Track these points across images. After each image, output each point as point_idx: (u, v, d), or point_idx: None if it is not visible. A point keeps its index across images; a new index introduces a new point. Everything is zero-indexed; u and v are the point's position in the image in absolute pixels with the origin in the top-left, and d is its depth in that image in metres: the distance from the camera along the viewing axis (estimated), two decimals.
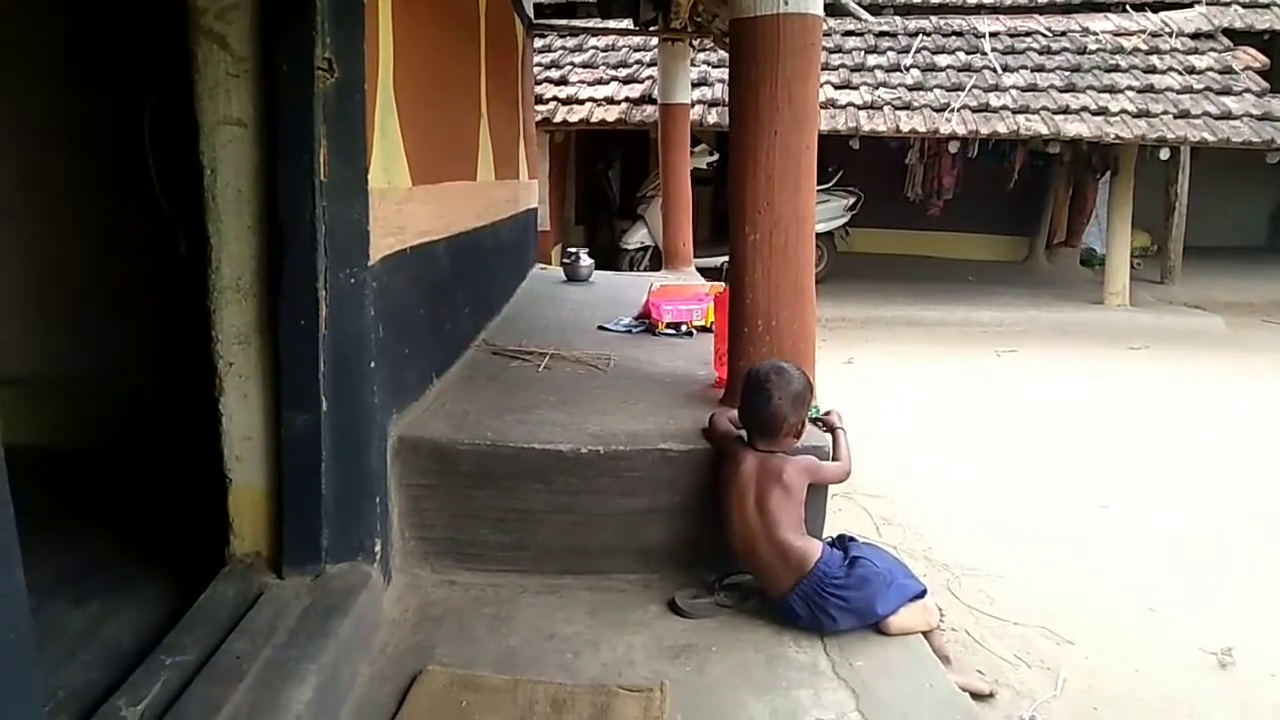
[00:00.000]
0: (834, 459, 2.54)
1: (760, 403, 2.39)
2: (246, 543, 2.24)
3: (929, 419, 5.39)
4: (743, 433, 2.49)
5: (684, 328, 4.10)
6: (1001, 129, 8.11)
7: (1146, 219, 10.26)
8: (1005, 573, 3.31)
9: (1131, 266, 9.27)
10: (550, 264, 7.60)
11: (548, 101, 8.71)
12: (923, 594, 2.38)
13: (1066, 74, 8.74)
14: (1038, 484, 4.28)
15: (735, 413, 2.55)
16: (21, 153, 3.04)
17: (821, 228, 8.70)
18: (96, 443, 3.03)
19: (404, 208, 2.59)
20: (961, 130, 8.13)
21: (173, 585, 2.23)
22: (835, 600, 2.25)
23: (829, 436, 2.61)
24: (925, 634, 2.36)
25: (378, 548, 2.29)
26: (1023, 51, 9.22)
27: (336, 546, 2.23)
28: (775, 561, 2.31)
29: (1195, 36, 9.31)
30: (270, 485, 2.21)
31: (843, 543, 2.47)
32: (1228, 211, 12.05)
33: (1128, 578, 3.32)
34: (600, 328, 4.23)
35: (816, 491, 2.51)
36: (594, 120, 8.62)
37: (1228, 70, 8.69)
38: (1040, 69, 8.89)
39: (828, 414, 2.66)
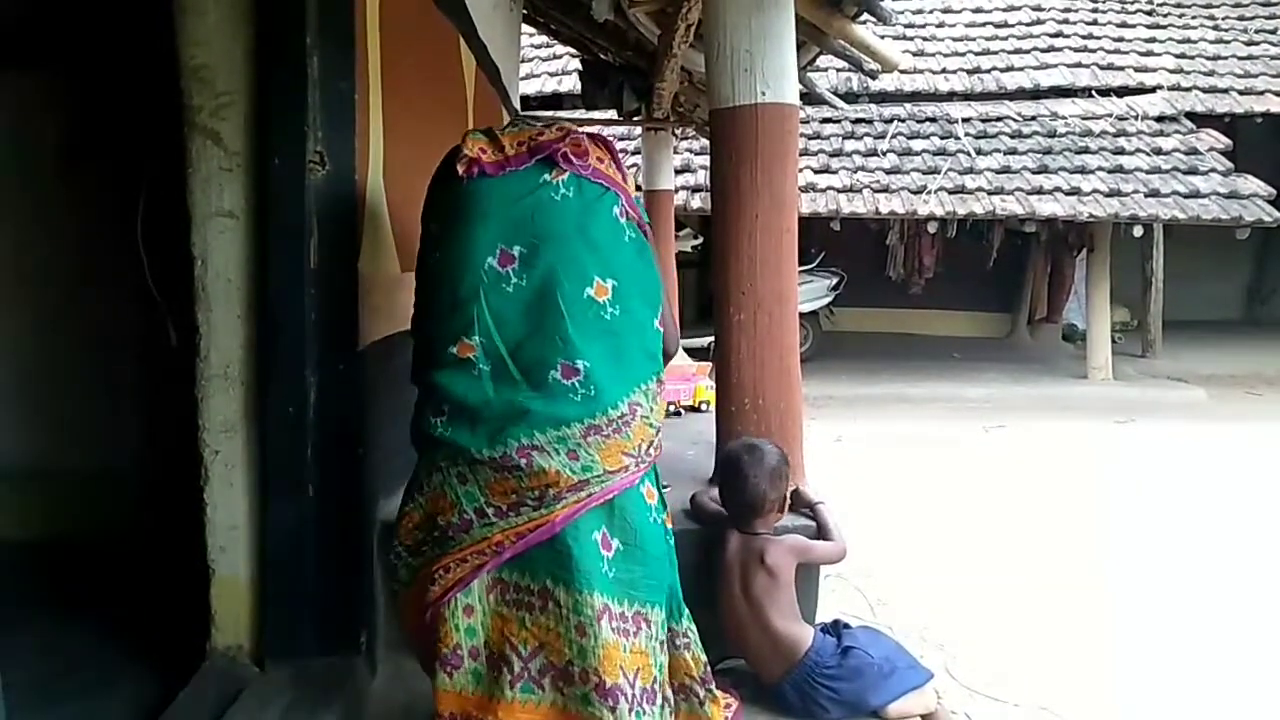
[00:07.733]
0: (823, 537, 2.46)
1: (739, 485, 2.35)
2: (228, 635, 2.19)
3: (921, 495, 5.36)
4: (725, 511, 2.45)
5: (672, 408, 4.11)
6: (978, 209, 8.32)
7: (1125, 294, 10.44)
8: (1003, 651, 3.25)
9: (1112, 341, 9.40)
10: None
11: None
12: (925, 682, 2.34)
13: (1039, 156, 9.00)
14: (1034, 559, 4.24)
15: (716, 490, 2.52)
16: (12, 249, 3.08)
17: (806, 307, 8.82)
18: (83, 535, 2.99)
19: (393, 294, 2.62)
20: (939, 211, 8.33)
21: (155, 681, 2.17)
22: (826, 690, 2.21)
23: (814, 514, 2.56)
24: (923, 719, 2.31)
25: (363, 638, 2.25)
26: (995, 135, 9.50)
27: (321, 638, 2.18)
28: (765, 648, 2.27)
29: (1160, 120, 9.64)
30: (254, 575, 2.18)
31: (837, 629, 2.41)
32: (1205, 286, 12.27)
33: (1127, 654, 3.26)
34: None
35: (808, 574, 2.47)
36: None
37: (1193, 151, 8.98)
38: (1013, 152, 9.15)
39: (794, 492, 2.58)
